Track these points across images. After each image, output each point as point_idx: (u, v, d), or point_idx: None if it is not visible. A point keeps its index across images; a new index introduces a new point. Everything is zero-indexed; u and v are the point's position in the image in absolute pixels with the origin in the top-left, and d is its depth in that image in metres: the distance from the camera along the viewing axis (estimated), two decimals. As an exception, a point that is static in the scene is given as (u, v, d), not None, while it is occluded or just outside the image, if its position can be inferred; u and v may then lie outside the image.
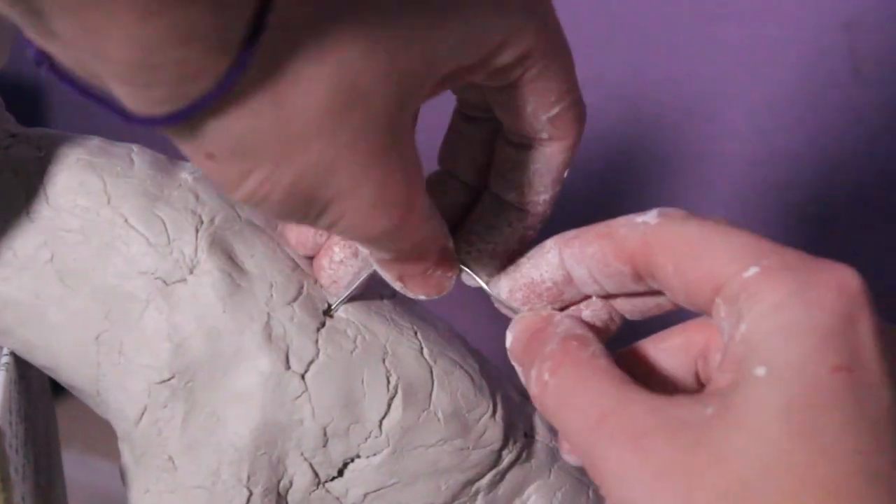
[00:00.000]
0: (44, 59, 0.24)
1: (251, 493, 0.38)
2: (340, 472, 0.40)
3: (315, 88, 0.25)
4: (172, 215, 0.39)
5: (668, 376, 0.33)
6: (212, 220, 0.39)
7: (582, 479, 0.44)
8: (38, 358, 0.40)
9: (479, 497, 0.42)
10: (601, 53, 0.78)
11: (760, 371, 0.26)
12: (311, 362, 0.38)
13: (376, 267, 0.35)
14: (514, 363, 0.33)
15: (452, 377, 0.40)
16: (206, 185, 0.40)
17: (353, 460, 0.39)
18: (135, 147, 0.41)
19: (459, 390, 0.40)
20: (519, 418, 0.43)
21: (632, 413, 0.27)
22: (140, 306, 0.38)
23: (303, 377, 0.38)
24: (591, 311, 0.34)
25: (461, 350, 0.42)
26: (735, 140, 0.76)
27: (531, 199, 0.36)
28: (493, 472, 0.42)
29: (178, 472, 0.38)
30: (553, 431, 0.44)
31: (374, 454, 0.39)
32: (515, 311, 0.36)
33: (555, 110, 0.33)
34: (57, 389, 0.47)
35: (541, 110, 0.33)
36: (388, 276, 0.35)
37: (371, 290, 0.41)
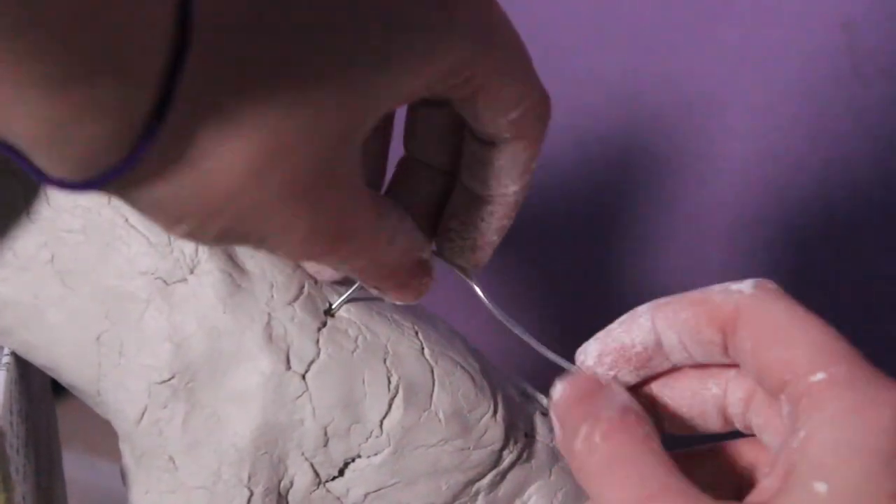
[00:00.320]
0: None
1: (252, 493, 0.38)
2: (341, 472, 0.40)
3: (234, 151, 0.25)
4: (173, 215, 0.39)
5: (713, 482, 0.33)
6: (212, 221, 0.39)
7: (582, 478, 0.44)
8: (39, 358, 0.40)
9: (480, 497, 0.42)
10: (601, 53, 0.78)
11: (821, 487, 0.26)
12: (312, 362, 0.38)
13: (352, 275, 0.35)
14: (553, 416, 0.33)
15: (453, 377, 0.40)
16: (207, 185, 0.40)
17: (353, 460, 0.39)
18: (135, 147, 0.41)
19: (460, 390, 0.40)
20: (520, 418, 0.43)
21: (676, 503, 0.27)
22: (140, 306, 0.38)
23: (303, 377, 0.38)
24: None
25: (462, 350, 0.42)
26: (735, 140, 0.76)
27: (500, 192, 0.36)
28: (494, 472, 0.42)
29: (178, 473, 0.38)
30: (554, 432, 0.44)
31: (375, 454, 0.39)
32: (507, 321, 0.36)
33: (514, 114, 0.33)
34: (57, 389, 0.47)
35: (500, 115, 0.33)
36: (366, 285, 0.36)
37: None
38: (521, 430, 0.42)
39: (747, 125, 0.76)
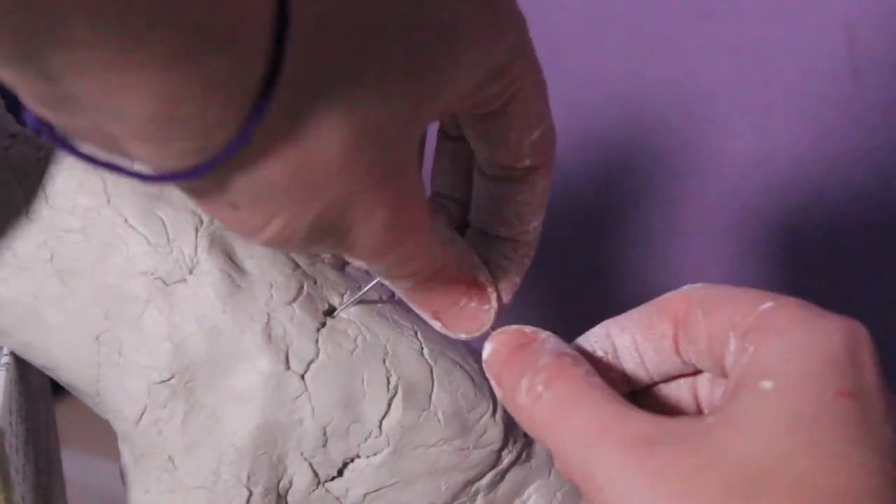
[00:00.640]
0: (43, 127, 0.24)
1: (251, 493, 0.38)
2: (340, 472, 0.40)
3: (332, 130, 0.25)
4: (172, 215, 0.39)
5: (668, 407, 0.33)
6: (212, 220, 0.39)
7: (582, 479, 0.44)
8: (38, 358, 0.40)
9: (480, 497, 0.42)
10: (601, 53, 0.78)
11: (767, 384, 0.26)
12: (311, 362, 0.38)
13: (412, 305, 0.35)
14: (489, 374, 0.33)
15: (453, 377, 0.40)
16: (206, 185, 0.40)
17: (353, 460, 0.39)
18: (135, 147, 0.41)
19: (460, 390, 0.40)
20: (519, 418, 0.43)
21: (633, 426, 0.27)
22: (140, 306, 0.38)
23: (303, 377, 0.38)
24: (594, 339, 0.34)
25: (461, 350, 0.42)
26: (735, 140, 0.76)
27: (522, 228, 0.36)
28: (494, 472, 0.42)
29: (178, 472, 0.38)
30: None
31: (375, 454, 0.39)
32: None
33: (536, 133, 0.33)
34: (57, 389, 0.47)
35: (524, 135, 0.33)
36: (425, 315, 0.35)
37: (371, 293, 0.41)
38: (520, 429, 0.42)
39: (747, 125, 0.76)
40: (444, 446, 0.40)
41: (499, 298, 0.36)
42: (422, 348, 0.40)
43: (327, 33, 0.25)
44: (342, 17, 0.25)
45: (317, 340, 0.38)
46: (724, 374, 0.30)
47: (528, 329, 0.33)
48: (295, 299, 0.39)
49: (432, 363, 0.40)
